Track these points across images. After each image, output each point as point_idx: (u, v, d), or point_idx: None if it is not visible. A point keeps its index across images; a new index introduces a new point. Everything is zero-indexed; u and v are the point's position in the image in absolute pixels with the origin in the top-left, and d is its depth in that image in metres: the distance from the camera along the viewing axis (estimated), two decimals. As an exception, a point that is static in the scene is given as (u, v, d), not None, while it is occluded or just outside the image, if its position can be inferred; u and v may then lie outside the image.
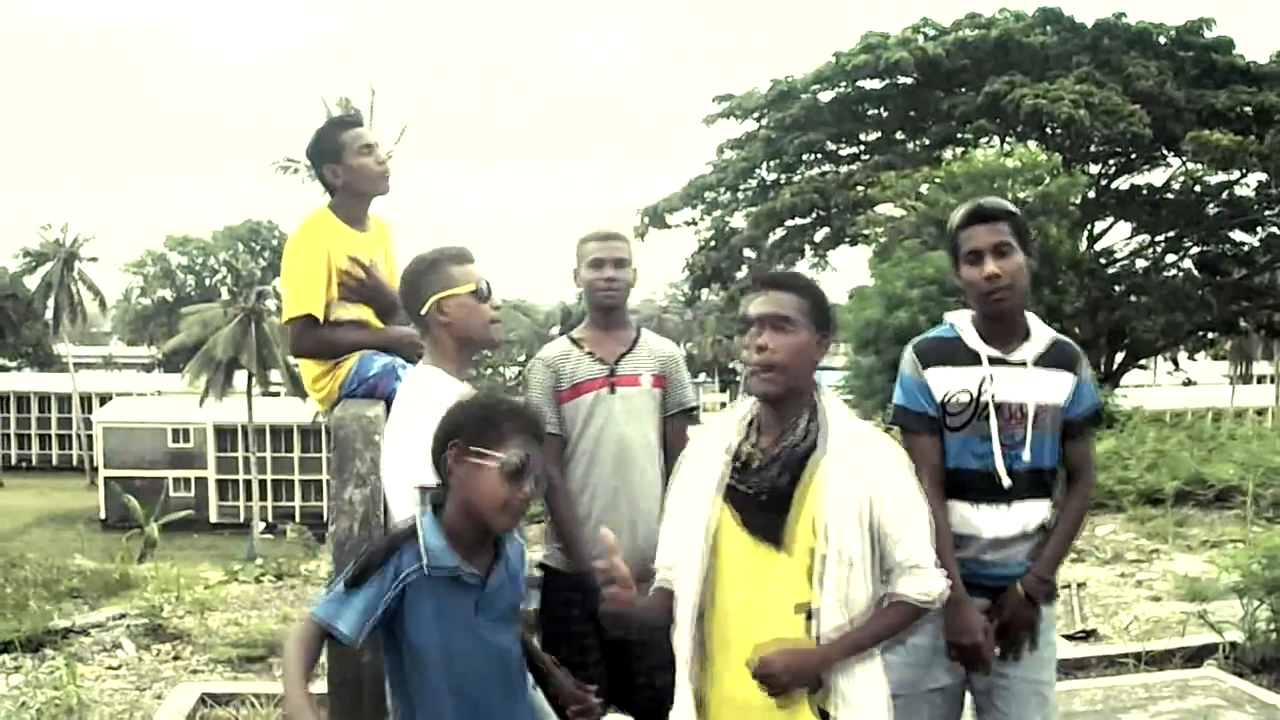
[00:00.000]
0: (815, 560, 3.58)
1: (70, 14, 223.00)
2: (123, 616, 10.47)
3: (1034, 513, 4.48)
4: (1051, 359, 4.51)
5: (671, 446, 5.45)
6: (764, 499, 3.66)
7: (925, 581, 3.68)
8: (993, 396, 4.41)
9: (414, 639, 3.70)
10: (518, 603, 3.92)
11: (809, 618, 3.59)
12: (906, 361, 4.60)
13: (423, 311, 4.59)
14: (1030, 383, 4.44)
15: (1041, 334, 4.55)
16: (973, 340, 4.50)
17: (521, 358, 76.16)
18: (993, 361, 4.45)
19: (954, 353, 4.51)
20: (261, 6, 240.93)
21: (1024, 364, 4.47)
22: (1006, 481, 4.40)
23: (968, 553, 4.42)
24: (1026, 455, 4.41)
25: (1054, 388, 4.49)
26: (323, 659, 7.99)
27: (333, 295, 5.46)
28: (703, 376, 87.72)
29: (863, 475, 3.63)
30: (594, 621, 4.84)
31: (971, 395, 4.42)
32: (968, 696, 4.60)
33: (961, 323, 4.57)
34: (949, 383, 4.47)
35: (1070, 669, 8.40)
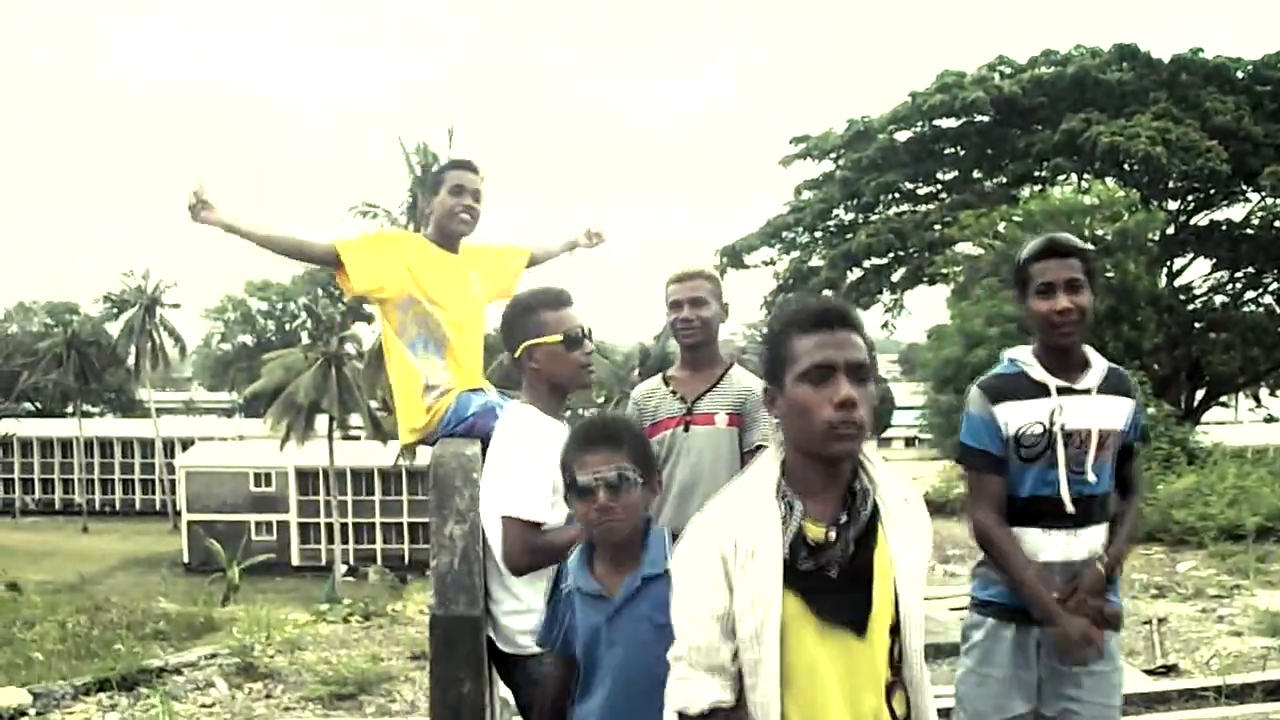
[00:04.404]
0: (895, 637, 3.20)
1: (156, 67, 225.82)
2: (214, 656, 10.63)
3: (1099, 536, 4.59)
4: (1111, 386, 4.64)
5: None
6: (835, 577, 3.16)
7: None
8: (1062, 426, 4.52)
9: (574, 649, 3.93)
10: (666, 614, 3.59)
11: (888, 695, 3.20)
12: (973, 399, 4.69)
13: (515, 355, 4.78)
14: (1095, 410, 4.56)
15: (1099, 363, 4.68)
16: (1038, 373, 4.61)
17: (600, 399, 76.16)
18: (1060, 391, 4.56)
19: (1020, 387, 4.62)
20: (349, 57, 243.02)
21: (1089, 392, 4.58)
22: (1070, 508, 4.51)
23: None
24: (1092, 478, 4.51)
25: (1116, 413, 4.61)
26: (420, 694, 8.12)
27: (412, 300, 5.72)
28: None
29: (918, 542, 3.28)
30: None
31: (1044, 426, 4.52)
32: None
33: (1024, 357, 4.69)
34: (1020, 416, 4.57)
35: (1151, 703, 8.42)
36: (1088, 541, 4.56)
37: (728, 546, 3.15)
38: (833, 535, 3.15)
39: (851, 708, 3.15)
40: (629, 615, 3.84)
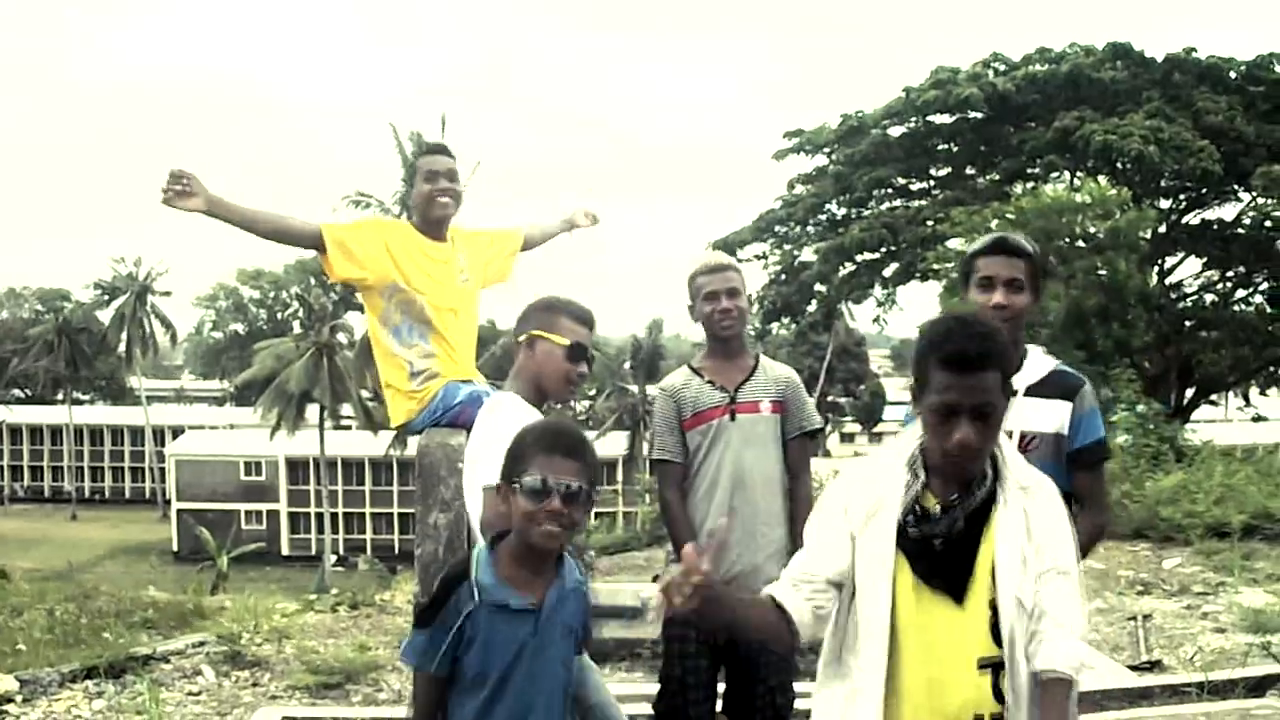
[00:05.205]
0: (995, 612, 3.34)
1: (153, 55, 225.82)
2: (202, 644, 10.61)
3: None
4: (1048, 389, 4.63)
5: (794, 469, 5.64)
6: (939, 547, 3.39)
7: (1073, 648, 3.31)
8: None
9: (478, 668, 3.78)
10: (577, 623, 3.92)
11: (993, 672, 3.33)
12: None
13: (519, 338, 4.84)
14: (1018, 411, 4.41)
15: (1040, 365, 4.69)
16: None
17: (591, 392, 76.01)
18: None
19: None
20: (358, 55, 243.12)
21: (1014, 392, 4.57)
22: None
23: None
24: None
25: (1046, 417, 4.60)
26: (407, 683, 8.14)
27: (395, 280, 5.74)
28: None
29: (1028, 524, 3.39)
30: (708, 646, 5.02)
31: None
32: None
33: None
34: None
35: (1134, 698, 8.47)
36: None
37: (857, 502, 3.50)
38: (940, 510, 3.40)
39: (927, 670, 3.37)
40: (550, 623, 3.83)
